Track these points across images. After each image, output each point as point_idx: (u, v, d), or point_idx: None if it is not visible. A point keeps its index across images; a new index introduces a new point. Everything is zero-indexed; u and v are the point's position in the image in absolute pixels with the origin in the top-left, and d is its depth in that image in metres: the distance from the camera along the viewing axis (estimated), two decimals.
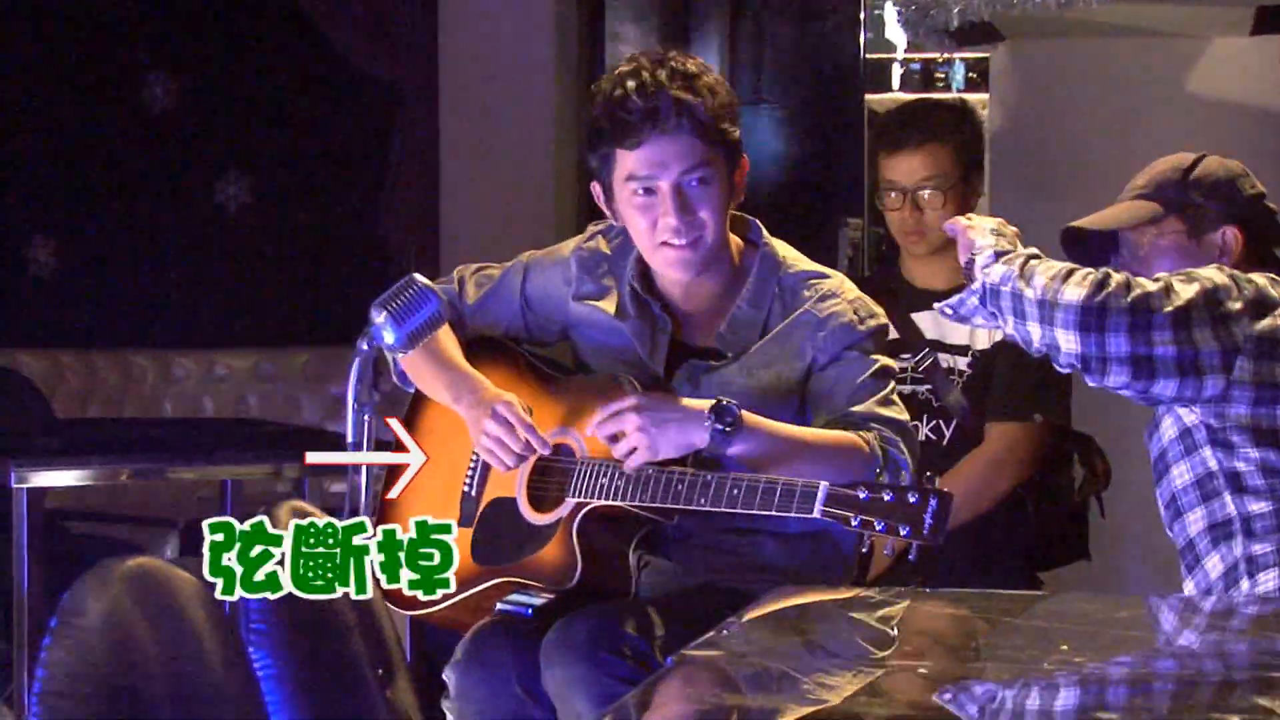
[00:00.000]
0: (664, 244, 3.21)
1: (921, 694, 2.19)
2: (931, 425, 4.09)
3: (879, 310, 3.32)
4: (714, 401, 3.05)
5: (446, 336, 3.34)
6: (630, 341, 3.32)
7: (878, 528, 2.84)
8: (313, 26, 7.24)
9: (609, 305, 3.35)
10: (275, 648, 2.42)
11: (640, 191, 3.19)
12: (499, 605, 3.24)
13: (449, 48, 6.94)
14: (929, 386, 4.10)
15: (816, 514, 2.89)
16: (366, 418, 3.22)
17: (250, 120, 7.53)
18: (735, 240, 3.33)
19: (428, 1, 7.12)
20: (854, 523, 2.86)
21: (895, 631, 2.67)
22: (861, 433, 3.15)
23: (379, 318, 3.23)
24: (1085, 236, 3.41)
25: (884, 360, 3.28)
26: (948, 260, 4.18)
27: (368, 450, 3.20)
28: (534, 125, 6.75)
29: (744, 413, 3.04)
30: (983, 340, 4.11)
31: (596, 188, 3.30)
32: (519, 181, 6.78)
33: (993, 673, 2.34)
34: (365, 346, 3.23)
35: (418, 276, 3.30)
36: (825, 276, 3.32)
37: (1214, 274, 3.12)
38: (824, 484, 2.90)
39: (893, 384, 3.28)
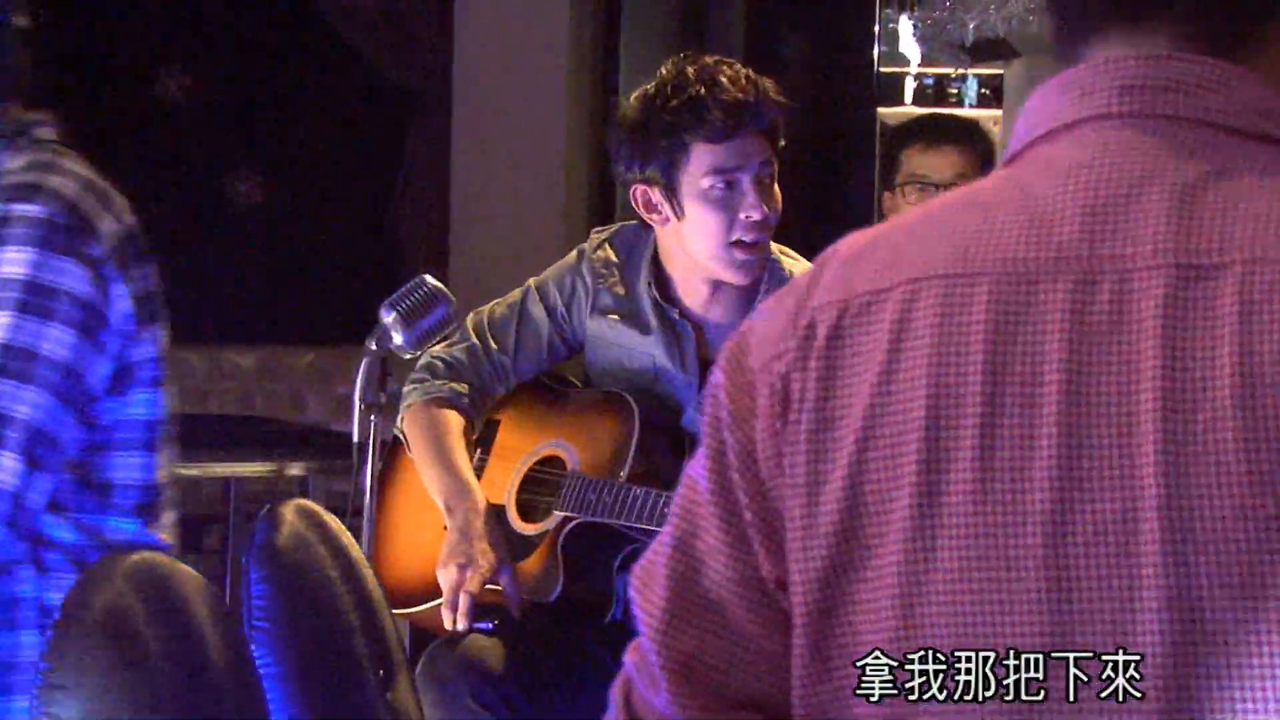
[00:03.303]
0: (735, 243, 3.18)
1: None
2: None
3: None
4: None
5: (459, 440, 3.32)
6: (647, 361, 3.30)
7: None
8: (328, 26, 7.25)
9: (629, 319, 3.33)
10: (278, 646, 2.41)
11: (721, 186, 3.16)
12: None
13: (464, 51, 6.95)
14: None
15: None
16: (373, 418, 3.23)
17: (263, 118, 7.54)
18: None
19: (444, 4, 7.13)
20: None
21: None
22: None
23: (388, 318, 3.23)
24: None
25: None
26: None
27: (374, 448, 3.22)
28: (547, 130, 6.75)
29: None
30: None
31: (642, 191, 3.23)
32: (531, 186, 6.78)
33: None
34: (374, 347, 3.24)
35: (428, 278, 3.29)
36: None
37: None
38: None
39: None
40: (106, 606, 2.01)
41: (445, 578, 3.16)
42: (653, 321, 3.30)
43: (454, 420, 3.34)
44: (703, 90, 3.14)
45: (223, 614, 2.18)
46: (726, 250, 3.19)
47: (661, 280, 3.31)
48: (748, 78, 3.17)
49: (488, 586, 3.16)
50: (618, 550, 3.22)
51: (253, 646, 2.37)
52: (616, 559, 3.22)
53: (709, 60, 3.20)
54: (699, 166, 3.16)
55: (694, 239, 3.21)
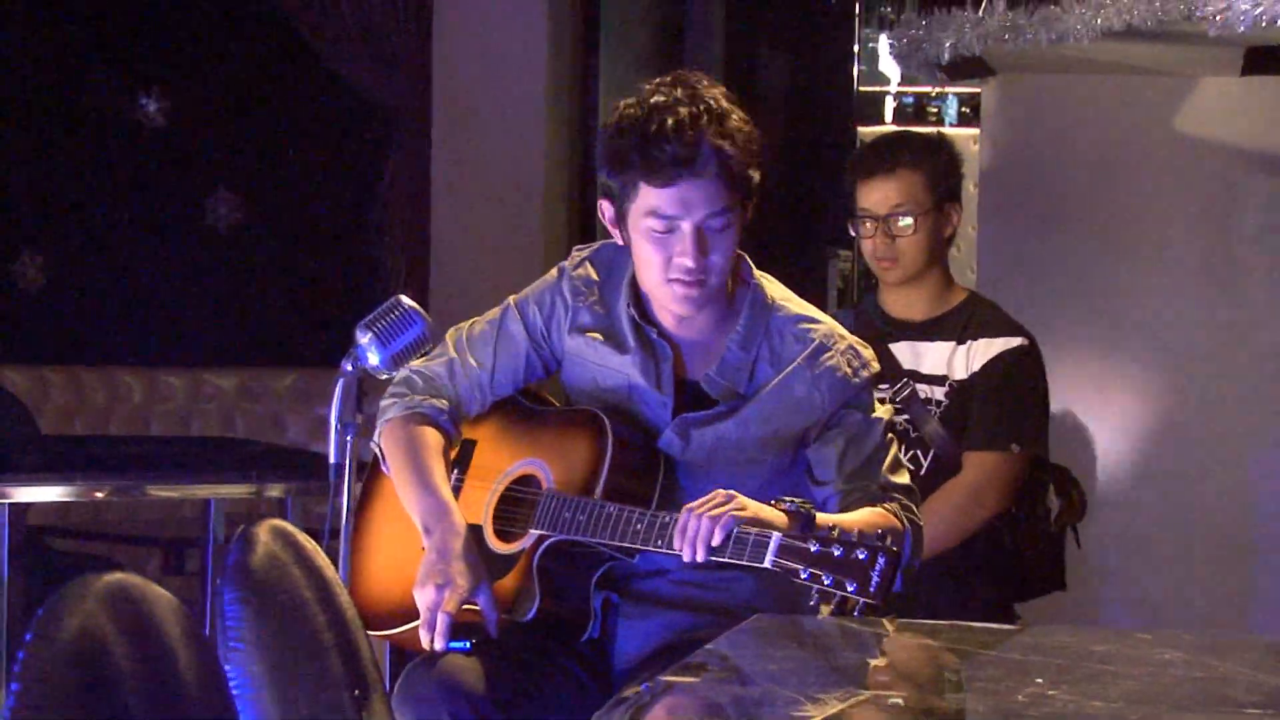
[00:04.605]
0: (673, 280, 3.16)
1: None
2: (910, 455, 4.10)
3: (869, 354, 3.29)
4: (792, 513, 2.99)
5: (437, 458, 3.30)
6: (622, 380, 3.29)
7: (825, 581, 2.82)
8: (308, 48, 7.25)
9: (607, 338, 3.32)
10: (252, 667, 2.41)
11: (660, 228, 3.14)
12: None
13: (443, 70, 6.96)
14: (906, 416, 4.11)
15: (768, 564, 2.89)
16: (349, 438, 3.23)
17: (242, 139, 7.54)
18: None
19: (422, 23, 7.14)
20: (803, 575, 2.85)
21: (872, 662, 2.67)
22: (888, 506, 3.18)
23: (364, 338, 3.23)
24: None
25: (884, 416, 3.28)
26: (923, 290, 4.20)
27: (350, 468, 3.22)
28: (526, 149, 6.76)
29: (816, 514, 3.00)
30: (960, 370, 4.13)
31: (606, 206, 3.23)
32: (510, 204, 6.79)
33: (968, 705, 2.34)
34: (350, 367, 3.24)
35: (404, 298, 3.29)
36: (815, 322, 3.28)
37: None
38: (776, 535, 2.90)
39: (895, 442, 3.30)
40: (78, 628, 2.00)
41: (423, 598, 3.16)
42: (630, 340, 3.29)
43: (432, 438, 3.33)
44: (653, 130, 3.11)
45: (196, 635, 2.17)
46: (666, 285, 3.18)
47: (640, 299, 3.31)
48: (696, 123, 3.10)
49: (465, 606, 3.15)
50: (594, 568, 3.22)
51: (227, 667, 2.37)
52: (593, 577, 3.22)
53: (678, 92, 3.13)
54: (642, 204, 3.15)
55: (639, 265, 3.22)
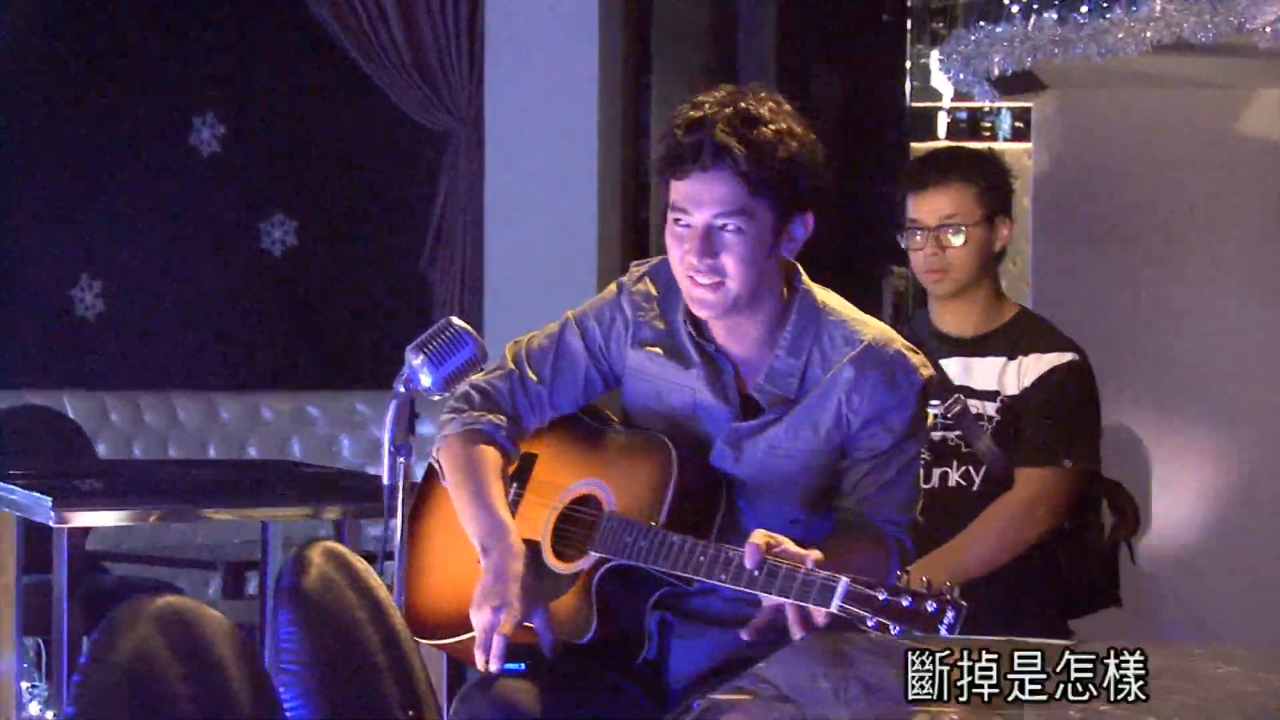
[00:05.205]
0: (688, 278, 3.16)
1: None
2: (961, 471, 4.10)
3: (918, 359, 3.25)
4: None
5: (495, 477, 3.29)
6: (688, 396, 3.27)
7: (893, 632, 2.81)
8: (361, 72, 7.29)
9: (670, 353, 3.29)
10: (306, 688, 2.42)
11: (676, 222, 3.15)
12: None
13: (495, 94, 6.98)
14: (959, 432, 4.10)
15: (834, 609, 2.87)
16: (402, 460, 3.24)
17: (297, 164, 7.59)
18: (778, 285, 3.27)
19: (474, 47, 7.16)
20: (869, 624, 2.83)
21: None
22: (886, 538, 3.20)
23: (415, 360, 3.24)
24: None
25: (917, 439, 3.27)
26: (973, 305, 4.20)
27: (403, 490, 3.23)
28: (578, 175, 6.76)
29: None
30: (1011, 386, 4.12)
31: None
32: (564, 226, 6.79)
33: None
34: (402, 389, 3.25)
35: (454, 319, 3.30)
36: (865, 325, 3.26)
37: None
38: (844, 580, 2.86)
39: (919, 472, 3.30)
40: (131, 651, 2.02)
41: (479, 619, 3.14)
42: (694, 355, 3.27)
43: (491, 456, 3.31)
44: (677, 121, 3.13)
45: (249, 656, 2.19)
46: (687, 281, 3.18)
47: (695, 315, 3.29)
48: (714, 120, 3.10)
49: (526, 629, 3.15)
50: (651, 591, 3.20)
51: (281, 689, 2.38)
52: (649, 600, 3.21)
53: (719, 94, 3.15)
54: (667, 197, 3.17)
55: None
